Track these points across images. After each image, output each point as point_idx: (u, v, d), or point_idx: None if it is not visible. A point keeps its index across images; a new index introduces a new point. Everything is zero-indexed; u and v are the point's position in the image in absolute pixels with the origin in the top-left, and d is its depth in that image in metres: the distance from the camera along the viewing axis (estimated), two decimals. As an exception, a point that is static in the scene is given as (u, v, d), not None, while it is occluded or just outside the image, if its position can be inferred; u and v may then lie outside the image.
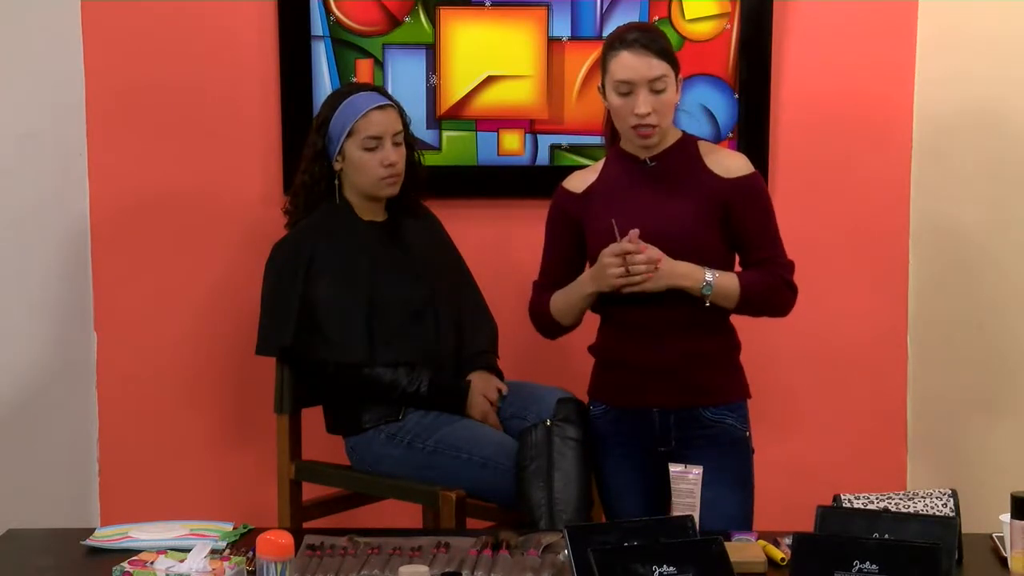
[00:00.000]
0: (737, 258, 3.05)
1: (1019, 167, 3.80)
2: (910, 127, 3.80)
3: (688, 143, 3.03)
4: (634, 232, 2.85)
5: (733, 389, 3.01)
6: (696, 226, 2.94)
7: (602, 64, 2.98)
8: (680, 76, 2.99)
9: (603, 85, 2.98)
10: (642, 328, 2.96)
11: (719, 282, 2.90)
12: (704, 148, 3.04)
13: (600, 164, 3.10)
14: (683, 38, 3.73)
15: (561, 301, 3.04)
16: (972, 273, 3.84)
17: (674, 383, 2.95)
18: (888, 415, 3.88)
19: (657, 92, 2.91)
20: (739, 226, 2.98)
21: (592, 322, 3.09)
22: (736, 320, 3.05)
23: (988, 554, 2.63)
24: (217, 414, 3.90)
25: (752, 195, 2.99)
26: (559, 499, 3.05)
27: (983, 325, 3.85)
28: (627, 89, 2.92)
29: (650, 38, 2.94)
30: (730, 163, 3.01)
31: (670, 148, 3.00)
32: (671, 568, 2.33)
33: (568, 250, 3.07)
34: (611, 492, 3.06)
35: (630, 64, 2.91)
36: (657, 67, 2.91)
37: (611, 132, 3.09)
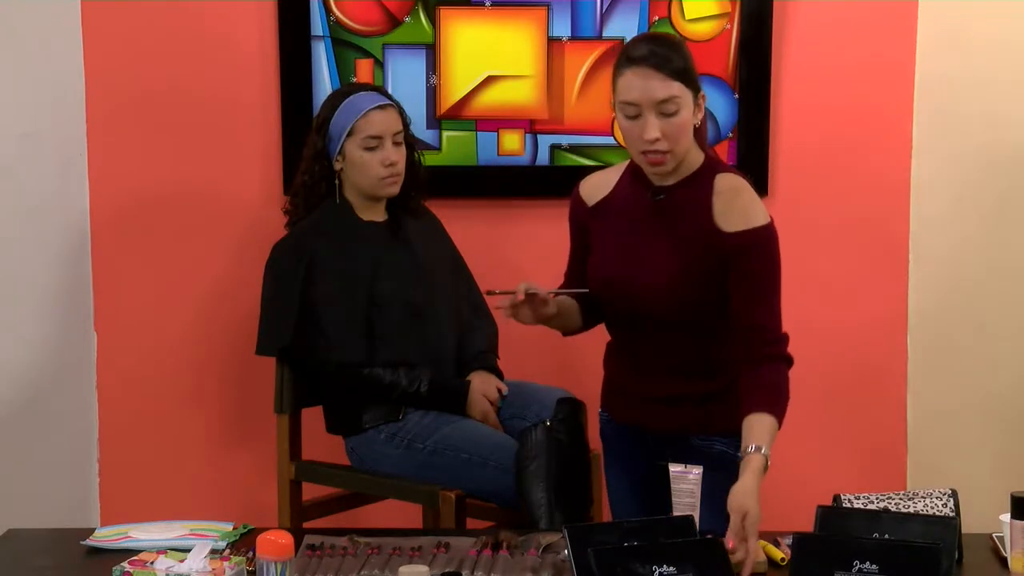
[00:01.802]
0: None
1: (1019, 168, 3.80)
2: (910, 127, 3.80)
3: (704, 176, 2.77)
4: (521, 287, 2.71)
5: (727, 421, 2.78)
6: (681, 283, 2.73)
7: (612, 81, 2.74)
8: (701, 95, 2.73)
9: (614, 103, 2.74)
10: (643, 363, 2.87)
11: (769, 446, 2.62)
12: (721, 184, 2.76)
13: (618, 175, 2.89)
14: (683, 38, 3.72)
15: None
16: (972, 273, 3.84)
17: (668, 415, 2.86)
18: (888, 415, 3.88)
19: (667, 115, 2.67)
20: (729, 285, 2.72)
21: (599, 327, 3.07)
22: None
23: (988, 554, 2.63)
24: (217, 414, 3.90)
25: (746, 254, 2.70)
26: (559, 499, 3.05)
27: (983, 325, 3.85)
28: (634, 112, 2.67)
29: (660, 55, 2.67)
30: (735, 213, 2.73)
31: (682, 181, 2.77)
32: (671, 568, 2.33)
33: (583, 253, 2.94)
34: (614, 498, 3.03)
35: (635, 85, 2.66)
36: (665, 88, 2.65)
37: None
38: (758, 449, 2.58)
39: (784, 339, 2.77)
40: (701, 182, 2.77)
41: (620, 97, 2.70)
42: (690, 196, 2.77)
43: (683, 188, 2.78)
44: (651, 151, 2.70)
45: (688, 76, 2.70)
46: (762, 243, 2.73)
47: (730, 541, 2.46)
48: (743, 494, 2.52)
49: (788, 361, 2.77)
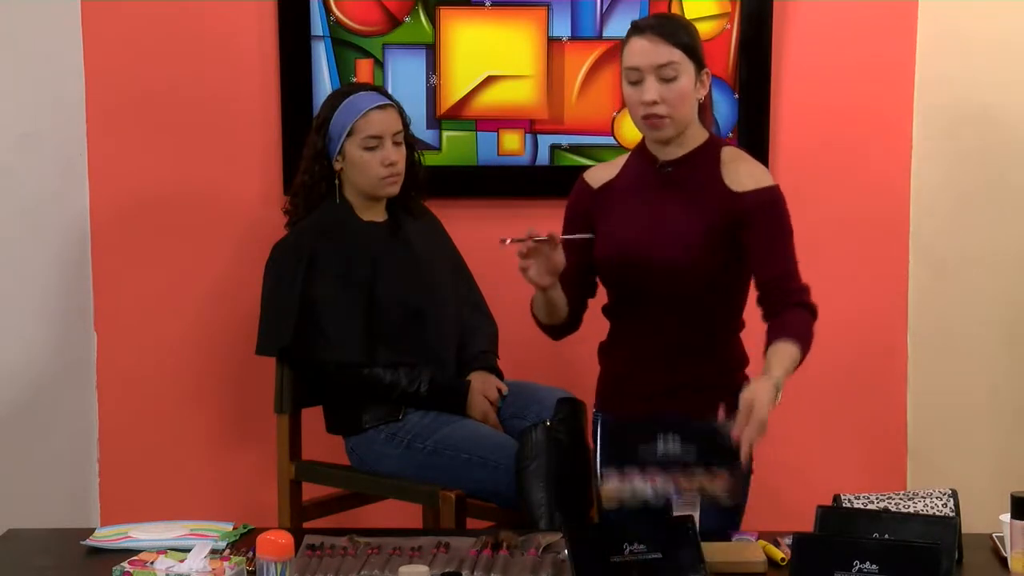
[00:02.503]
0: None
1: (1019, 168, 3.80)
2: (910, 127, 3.81)
3: (710, 149, 2.87)
4: (531, 230, 2.77)
5: (729, 410, 2.72)
6: (700, 247, 2.80)
7: (620, 54, 2.86)
8: (705, 71, 2.84)
9: (622, 74, 2.85)
10: (643, 348, 2.90)
11: (783, 376, 2.65)
12: (727, 155, 2.87)
13: (623, 160, 2.98)
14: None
15: (534, 296, 2.96)
16: (972, 273, 3.84)
17: (670, 404, 2.86)
18: (888, 415, 3.88)
19: (667, 80, 2.77)
20: (746, 242, 2.81)
21: (595, 325, 3.07)
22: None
23: (988, 554, 2.63)
24: (217, 414, 3.90)
25: (761, 210, 2.80)
26: (559, 499, 3.05)
27: (983, 325, 3.85)
28: (636, 77, 2.79)
29: (664, 26, 2.81)
30: (744, 176, 2.84)
31: (689, 154, 2.86)
32: (675, 440, 2.51)
33: (580, 247, 2.94)
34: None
35: (637, 50, 2.79)
36: (665, 53, 2.77)
37: None
38: (770, 374, 2.61)
39: (806, 289, 2.81)
40: (707, 156, 2.87)
41: (624, 64, 2.82)
42: (697, 166, 2.86)
43: (689, 160, 2.87)
44: (650, 115, 2.79)
45: (691, 50, 2.81)
46: (774, 202, 2.83)
47: (736, 433, 2.51)
48: (756, 389, 2.56)
49: (812, 310, 2.80)
